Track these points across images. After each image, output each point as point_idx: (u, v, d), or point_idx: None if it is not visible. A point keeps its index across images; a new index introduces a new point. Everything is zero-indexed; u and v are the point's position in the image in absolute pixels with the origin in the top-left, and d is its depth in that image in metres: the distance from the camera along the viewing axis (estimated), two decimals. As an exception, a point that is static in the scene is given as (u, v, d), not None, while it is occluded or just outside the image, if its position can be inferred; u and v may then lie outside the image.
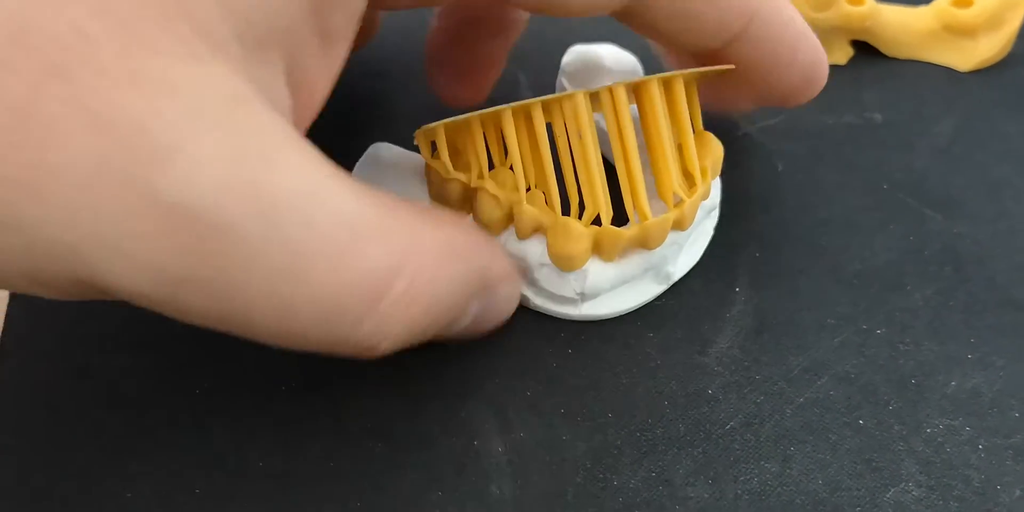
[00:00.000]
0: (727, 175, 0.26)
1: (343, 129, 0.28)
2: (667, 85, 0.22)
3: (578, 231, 0.21)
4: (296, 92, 0.17)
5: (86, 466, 0.21)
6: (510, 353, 0.23)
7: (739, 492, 0.21)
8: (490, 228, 0.23)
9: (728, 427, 0.22)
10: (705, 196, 0.23)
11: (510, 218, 0.22)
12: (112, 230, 0.13)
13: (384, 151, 0.25)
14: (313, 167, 0.15)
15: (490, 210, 0.22)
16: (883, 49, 0.30)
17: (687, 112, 0.22)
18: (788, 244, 0.25)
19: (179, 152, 0.13)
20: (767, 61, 0.21)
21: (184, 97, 0.13)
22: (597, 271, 0.23)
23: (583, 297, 0.23)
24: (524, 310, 0.24)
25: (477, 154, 0.22)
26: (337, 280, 0.15)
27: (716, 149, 0.23)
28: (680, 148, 0.22)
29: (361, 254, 0.15)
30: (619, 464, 0.21)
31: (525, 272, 0.23)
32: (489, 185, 0.22)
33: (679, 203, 0.22)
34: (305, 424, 0.22)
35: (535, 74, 0.30)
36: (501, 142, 0.22)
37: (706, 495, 0.21)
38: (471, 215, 0.23)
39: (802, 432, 0.22)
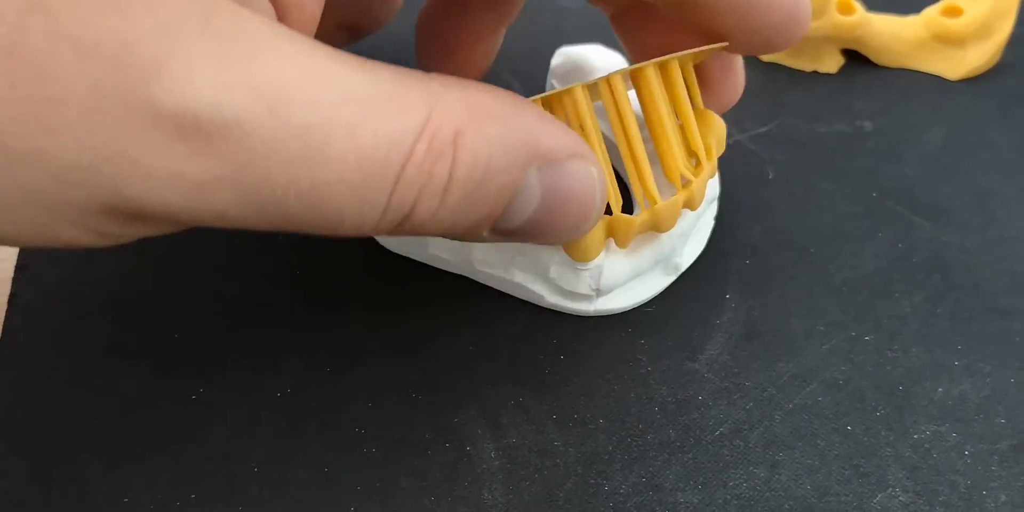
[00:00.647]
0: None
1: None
2: (663, 68, 0.22)
3: None
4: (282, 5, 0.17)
5: (83, 472, 0.21)
6: (503, 360, 0.23)
7: (728, 497, 0.21)
8: None
9: (718, 433, 0.22)
10: (712, 174, 0.23)
11: None
12: (125, 147, 0.14)
13: None
14: (308, 52, 0.15)
15: None
16: (873, 58, 0.31)
17: (686, 93, 0.22)
18: (778, 251, 0.25)
19: (167, 61, 0.13)
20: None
21: (162, 11, 0.14)
22: (612, 266, 0.23)
23: (598, 293, 0.23)
24: (517, 316, 0.24)
25: None
26: (356, 152, 0.15)
27: (719, 127, 0.23)
28: (682, 130, 0.22)
29: (374, 122, 0.15)
30: (610, 469, 0.21)
31: (539, 271, 0.23)
32: None
33: (687, 184, 0.22)
34: (300, 430, 0.22)
35: (525, 79, 0.30)
36: None
37: (695, 500, 0.21)
38: None
39: (791, 438, 0.22)
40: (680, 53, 0.21)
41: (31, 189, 0.14)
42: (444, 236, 0.17)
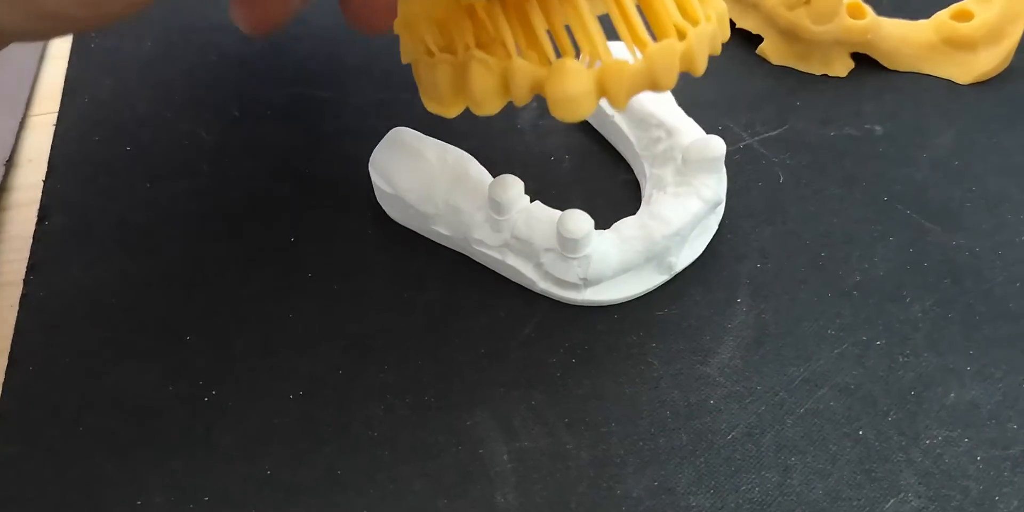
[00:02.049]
0: (728, 186, 0.26)
1: (371, 113, 0.28)
2: None
3: (576, 68, 0.19)
4: None
5: (96, 474, 0.21)
6: (515, 363, 0.23)
7: (740, 501, 0.21)
8: (487, 102, 0.20)
9: (729, 437, 0.22)
10: (712, 41, 0.20)
11: (505, 88, 0.20)
12: None
13: (404, 135, 0.25)
14: None
15: (482, 78, 0.20)
16: (884, 62, 0.31)
17: None
18: (789, 256, 0.25)
19: None
20: None
21: None
22: (600, 257, 0.23)
23: (586, 282, 0.23)
24: (528, 320, 0.24)
25: (462, 31, 0.21)
26: None
27: (718, 1, 0.21)
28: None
29: None
30: (622, 473, 0.21)
31: (531, 257, 0.23)
32: (479, 54, 0.20)
33: (684, 37, 0.20)
34: (312, 433, 0.22)
35: None
36: (483, 18, 0.21)
37: (708, 504, 0.21)
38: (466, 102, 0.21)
39: (802, 442, 0.22)
40: None
41: None
42: None
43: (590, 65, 0.19)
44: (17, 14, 0.15)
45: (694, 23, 0.20)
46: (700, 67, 0.20)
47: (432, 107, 0.22)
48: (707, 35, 0.20)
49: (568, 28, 0.20)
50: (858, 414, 0.22)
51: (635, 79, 0.19)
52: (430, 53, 0.21)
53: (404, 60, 0.22)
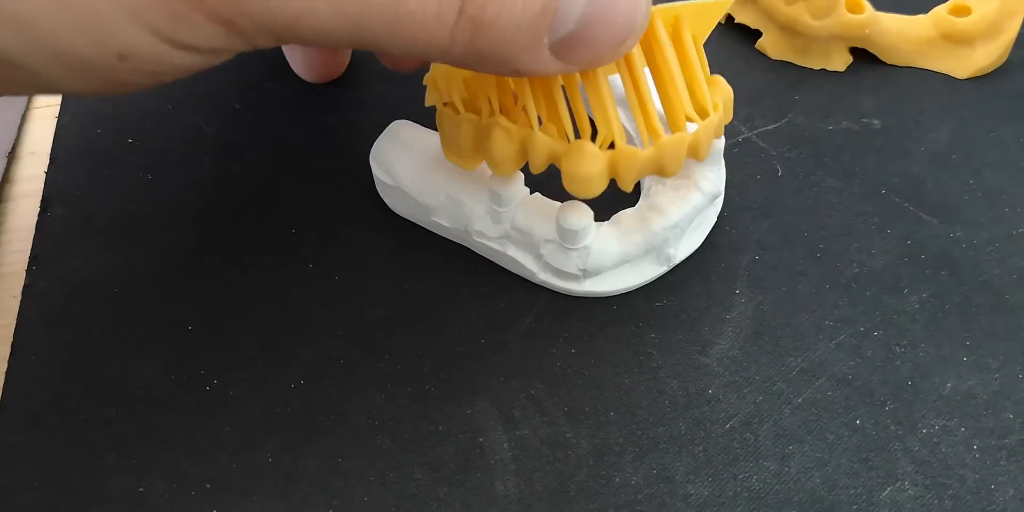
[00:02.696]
0: (727, 179, 0.26)
1: (372, 106, 0.29)
2: (672, 24, 0.21)
3: (592, 151, 0.21)
4: None
5: (98, 462, 0.22)
6: (515, 353, 0.23)
7: (738, 490, 0.21)
8: (504, 165, 0.22)
9: (728, 426, 0.22)
10: (718, 129, 0.22)
11: (523, 154, 0.22)
12: None
13: (404, 127, 0.26)
14: None
15: (503, 144, 0.22)
16: (882, 56, 0.31)
17: (692, 47, 0.21)
18: (787, 247, 0.26)
19: None
20: None
21: None
22: (599, 248, 0.23)
23: (585, 274, 0.24)
24: (529, 310, 0.24)
25: (488, 95, 0.22)
26: None
27: (725, 89, 0.22)
28: (690, 86, 0.22)
29: None
30: (621, 461, 0.21)
31: (531, 248, 0.24)
32: (502, 120, 0.21)
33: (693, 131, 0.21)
34: (313, 421, 0.22)
35: None
36: (510, 86, 0.22)
37: (706, 492, 0.21)
38: (484, 161, 0.23)
39: (800, 431, 0.22)
40: (685, 4, 0.21)
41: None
42: (506, 60, 0.17)
43: (603, 145, 0.21)
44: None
45: (702, 112, 0.22)
46: (704, 155, 0.22)
47: (451, 158, 0.24)
48: (713, 127, 0.22)
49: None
50: (855, 404, 0.22)
51: (644, 165, 0.21)
52: (455, 109, 0.22)
53: (428, 104, 0.23)
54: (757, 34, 0.32)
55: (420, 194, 0.25)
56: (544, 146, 0.21)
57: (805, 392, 0.23)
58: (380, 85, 0.30)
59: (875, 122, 0.29)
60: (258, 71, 0.30)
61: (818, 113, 0.29)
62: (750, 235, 0.26)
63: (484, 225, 0.24)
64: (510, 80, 0.22)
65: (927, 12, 0.31)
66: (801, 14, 0.30)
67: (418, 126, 0.26)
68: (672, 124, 0.21)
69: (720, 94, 0.22)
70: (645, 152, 0.21)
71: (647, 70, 0.21)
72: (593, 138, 0.21)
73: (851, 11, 0.30)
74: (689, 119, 0.21)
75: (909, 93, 0.30)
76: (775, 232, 0.26)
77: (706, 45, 0.22)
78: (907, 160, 0.28)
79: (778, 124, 0.29)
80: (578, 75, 0.20)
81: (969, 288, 0.25)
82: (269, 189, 0.27)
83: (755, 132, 0.29)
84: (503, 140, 0.22)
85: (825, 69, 0.31)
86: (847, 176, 0.27)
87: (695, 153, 0.22)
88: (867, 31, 0.30)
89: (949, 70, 0.31)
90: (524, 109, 0.21)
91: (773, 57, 0.31)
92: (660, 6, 0.20)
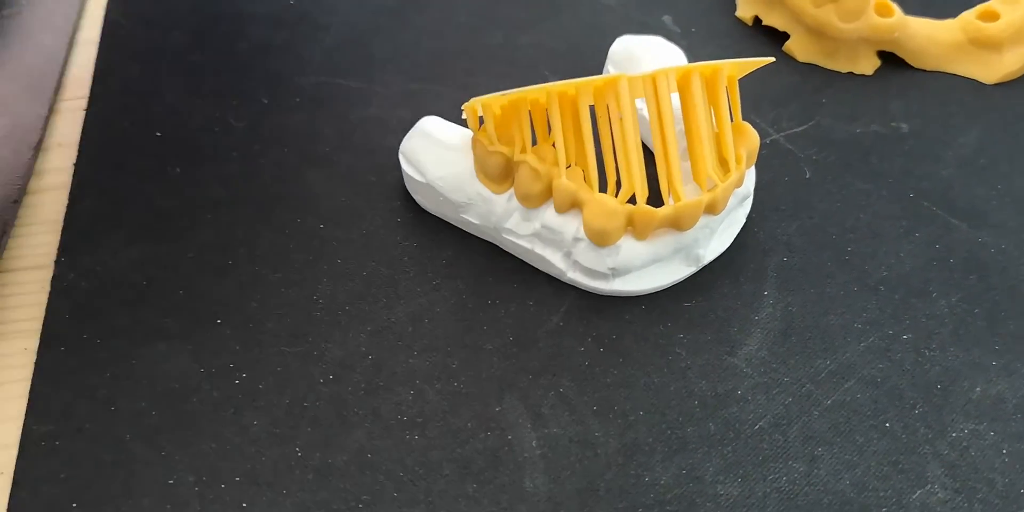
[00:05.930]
0: (756, 180, 0.26)
1: (400, 102, 0.29)
2: (709, 75, 0.22)
3: (613, 207, 0.22)
4: None
5: (127, 454, 0.22)
6: (543, 351, 0.23)
7: (768, 490, 0.21)
8: (529, 201, 0.24)
9: (757, 427, 0.22)
10: (738, 183, 0.24)
11: (549, 192, 0.23)
12: None
13: (433, 124, 0.26)
14: None
15: (530, 183, 0.23)
16: (910, 60, 0.31)
17: (726, 102, 0.23)
18: (816, 250, 0.26)
19: None
20: None
21: None
22: (629, 248, 0.23)
23: (615, 272, 0.24)
24: (559, 308, 0.24)
25: (521, 129, 0.23)
26: None
27: (752, 139, 0.24)
28: (718, 136, 0.23)
29: None
30: (651, 461, 0.21)
31: (561, 246, 0.24)
32: (531, 159, 0.23)
33: (712, 188, 0.23)
34: (342, 417, 0.22)
35: (584, 59, 0.30)
36: (545, 119, 0.23)
37: (735, 493, 0.21)
38: (511, 189, 0.24)
39: (829, 433, 0.22)
40: (727, 61, 0.22)
41: None
42: None
43: (624, 198, 0.22)
44: None
45: (725, 166, 0.23)
46: (720, 210, 0.24)
47: (482, 180, 0.25)
48: (733, 185, 0.23)
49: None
50: (885, 407, 0.22)
51: (661, 223, 0.23)
52: (489, 140, 0.23)
53: (464, 118, 0.24)
54: (785, 36, 0.32)
55: (449, 191, 0.25)
56: (568, 193, 0.23)
57: (834, 394, 0.23)
58: (407, 82, 0.30)
59: (903, 126, 0.29)
60: (286, 67, 0.30)
61: (845, 116, 0.29)
62: (779, 237, 0.26)
63: (514, 223, 0.24)
64: (546, 116, 0.23)
65: (956, 16, 0.31)
66: (830, 17, 0.30)
67: (447, 123, 0.26)
68: (696, 178, 0.23)
69: (746, 145, 0.23)
70: (663, 211, 0.22)
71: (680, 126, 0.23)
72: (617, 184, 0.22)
73: (880, 14, 0.30)
74: (711, 180, 0.23)
75: (937, 97, 0.30)
76: (803, 234, 0.26)
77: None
78: (935, 164, 0.28)
79: (805, 127, 0.29)
80: (610, 120, 0.22)
81: (998, 293, 0.25)
82: (297, 184, 0.27)
83: (782, 134, 0.29)
84: (531, 179, 0.23)
85: (852, 72, 0.31)
86: (875, 179, 0.27)
87: (712, 209, 0.23)
88: (895, 35, 0.30)
89: (977, 75, 0.31)
90: (554, 145, 0.22)
91: (801, 60, 0.31)
92: (700, 63, 0.22)
